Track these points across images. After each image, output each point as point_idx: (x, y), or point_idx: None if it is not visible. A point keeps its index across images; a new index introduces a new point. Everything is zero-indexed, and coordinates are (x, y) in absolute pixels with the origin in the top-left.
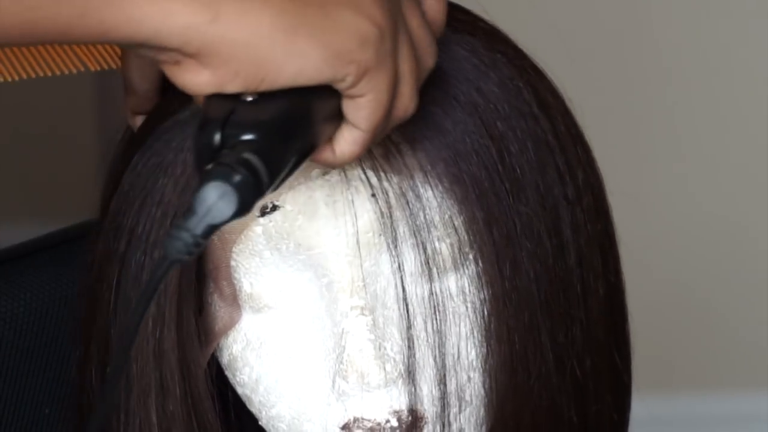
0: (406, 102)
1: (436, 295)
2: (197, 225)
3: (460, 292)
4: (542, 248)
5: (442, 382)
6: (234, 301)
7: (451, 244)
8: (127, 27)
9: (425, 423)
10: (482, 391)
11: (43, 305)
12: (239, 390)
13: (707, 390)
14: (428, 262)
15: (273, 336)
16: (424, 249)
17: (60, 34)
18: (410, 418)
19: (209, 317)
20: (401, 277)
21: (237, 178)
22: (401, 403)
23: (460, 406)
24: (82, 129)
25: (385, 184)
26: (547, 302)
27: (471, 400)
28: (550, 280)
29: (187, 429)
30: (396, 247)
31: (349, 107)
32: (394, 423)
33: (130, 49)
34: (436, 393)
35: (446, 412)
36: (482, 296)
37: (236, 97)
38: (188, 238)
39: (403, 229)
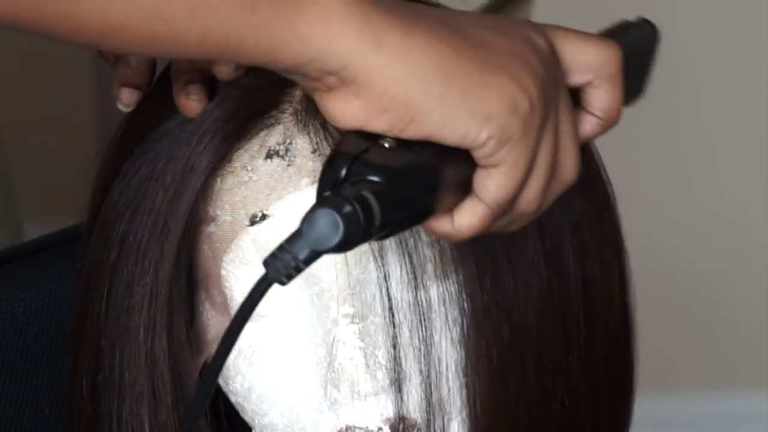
0: (533, 196)
1: (422, 303)
2: (302, 249)
3: (446, 300)
4: (535, 268)
5: (429, 390)
6: (225, 309)
7: (436, 254)
8: (298, 45)
9: (417, 431)
10: (466, 401)
11: (44, 305)
12: (232, 398)
13: (707, 390)
14: (414, 271)
15: (265, 344)
16: (410, 258)
17: (233, 50)
18: (402, 426)
19: (201, 326)
20: (387, 286)
21: (347, 209)
22: (392, 410)
23: (450, 415)
24: (82, 129)
25: None
26: (537, 324)
27: (459, 409)
28: (542, 303)
29: None
30: (382, 256)
31: (480, 176)
32: (386, 431)
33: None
34: (425, 401)
35: (436, 420)
36: (463, 307)
37: (375, 140)
38: (290, 261)
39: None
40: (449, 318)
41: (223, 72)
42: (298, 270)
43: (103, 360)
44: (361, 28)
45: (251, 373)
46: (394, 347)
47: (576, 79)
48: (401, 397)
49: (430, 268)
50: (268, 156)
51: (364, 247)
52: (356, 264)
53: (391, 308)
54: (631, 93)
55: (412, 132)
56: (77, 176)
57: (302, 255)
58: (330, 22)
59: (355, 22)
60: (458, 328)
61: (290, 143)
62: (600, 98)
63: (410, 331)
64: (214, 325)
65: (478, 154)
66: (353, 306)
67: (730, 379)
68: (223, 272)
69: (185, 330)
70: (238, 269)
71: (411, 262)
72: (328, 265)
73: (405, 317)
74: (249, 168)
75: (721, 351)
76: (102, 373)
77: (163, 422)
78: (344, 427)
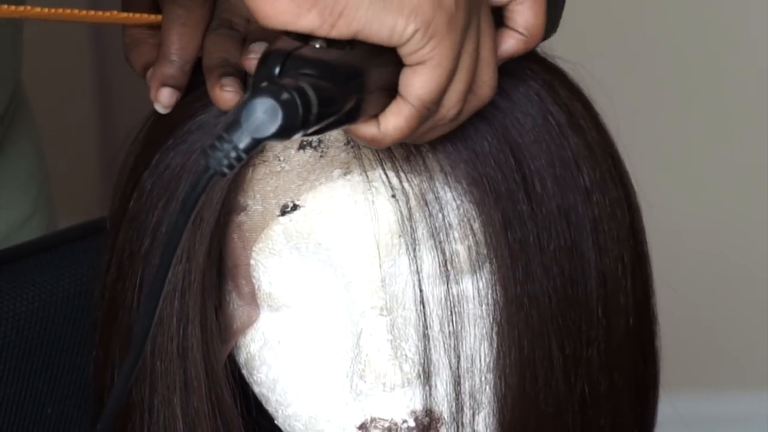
0: (454, 100)
1: (453, 297)
2: (241, 137)
3: (476, 294)
4: (558, 261)
5: (457, 383)
6: (252, 299)
7: (469, 246)
8: None
9: (442, 424)
10: (494, 394)
11: (45, 305)
12: (256, 389)
13: (707, 390)
14: (446, 264)
15: (291, 335)
16: (443, 251)
17: None
18: (427, 418)
19: (227, 316)
20: (419, 279)
21: (285, 96)
22: (418, 403)
23: (476, 408)
24: (83, 129)
25: (406, 185)
26: (561, 315)
27: (486, 402)
28: (565, 294)
29: (211, 425)
30: (415, 248)
31: (406, 75)
32: (411, 423)
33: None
34: (452, 394)
35: (462, 414)
36: (495, 299)
37: (306, 42)
38: (230, 151)
39: (422, 231)
40: (482, 311)
41: (226, 98)
42: (239, 159)
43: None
44: None
45: (276, 364)
46: (423, 340)
47: None
48: (429, 390)
49: (462, 261)
50: (301, 147)
51: (395, 240)
52: (386, 257)
53: (422, 301)
54: (550, 24)
55: (341, 27)
56: (78, 177)
57: (242, 144)
58: None
59: None
60: (489, 321)
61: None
62: (523, 14)
63: (440, 325)
64: (241, 315)
65: (404, 51)
66: (382, 298)
67: (730, 379)
68: (252, 262)
69: (215, 319)
70: (267, 259)
71: (443, 256)
72: (357, 257)
73: (435, 311)
74: (281, 158)
75: (721, 351)
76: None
77: (195, 410)
78: (369, 419)
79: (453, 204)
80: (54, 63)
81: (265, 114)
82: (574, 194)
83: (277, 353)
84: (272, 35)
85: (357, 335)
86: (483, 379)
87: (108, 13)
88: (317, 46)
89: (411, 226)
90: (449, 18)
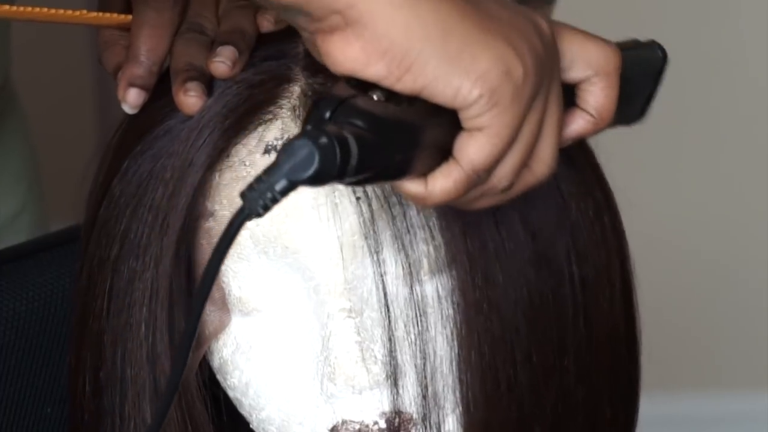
0: (507, 171)
1: (417, 298)
2: (278, 179)
3: (438, 296)
4: (523, 270)
5: (425, 384)
6: (223, 304)
7: (432, 249)
8: None
9: (413, 425)
10: (460, 396)
11: (45, 305)
12: (230, 393)
13: (707, 390)
14: (410, 266)
15: (262, 339)
16: (406, 253)
17: None
18: (398, 419)
19: (200, 321)
20: (383, 281)
21: (324, 141)
22: (388, 404)
23: (446, 409)
24: (83, 129)
25: (369, 188)
26: (528, 322)
27: (455, 403)
28: (532, 302)
29: (182, 431)
30: (378, 251)
31: (462, 139)
32: (382, 425)
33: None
34: (421, 396)
35: (432, 414)
36: (457, 302)
37: (366, 91)
38: (266, 191)
39: (386, 233)
40: (443, 313)
41: (189, 102)
42: (274, 201)
43: (105, 356)
44: None
45: (249, 368)
46: (390, 341)
47: (575, 74)
48: (397, 391)
49: (425, 263)
50: (266, 151)
51: (360, 243)
52: (352, 259)
53: (386, 303)
54: (632, 112)
55: (407, 82)
56: (79, 176)
57: (278, 185)
58: None
59: None
60: (451, 323)
61: (288, 139)
62: (595, 95)
63: (406, 326)
64: (213, 320)
65: (465, 115)
66: (349, 300)
67: (730, 379)
68: (221, 267)
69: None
70: (236, 264)
71: (407, 258)
72: (324, 259)
73: (401, 312)
74: (247, 163)
75: (721, 351)
76: (104, 370)
77: (166, 417)
78: (340, 422)
79: (415, 206)
80: (53, 63)
81: (302, 157)
82: (546, 203)
83: (249, 357)
84: (239, 38)
85: (326, 338)
86: (448, 380)
87: (77, 13)
88: (375, 97)
89: (374, 229)
90: (515, 88)
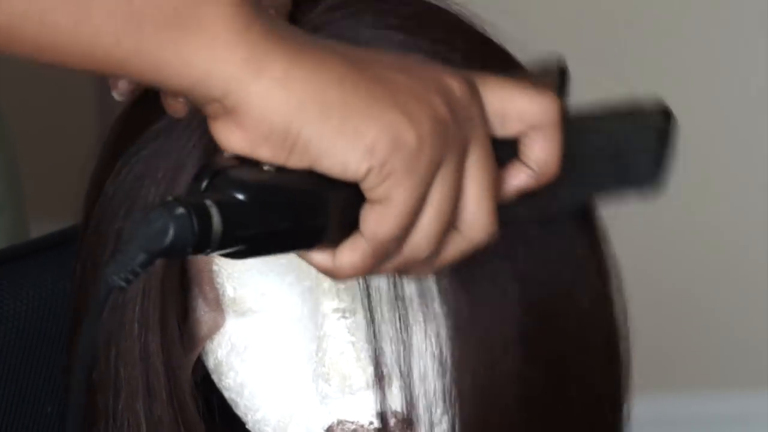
0: (421, 241)
1: (412, 297)
2: (135, 251)
3: (425, 295)
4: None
5: (420, 384)
6: (218, 305)
7: None
8: (181, 67)
9: (408, 425)
10: (455, 397)
11: (46, 305)
12: (225, 394)
13: (707, 390)
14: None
15: (257, 340)
16: None
17: (117, 66)
18: (393, 419)
19: (194, 322)
20: (367, 282)
21: (179, 212)
22: (385, 405)
23: (441, 408)
24: (83, 129)
25: None
26: (521, 342)
27: (449, 404)
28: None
29: (173, 431)
30: None
31: (364, 210)
32: (378, 425)
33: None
34: (415, 395)
35: (428, 414)
36: (445, 309)
37: (257, 163)
38: (126, 264)
39: None
40: (434, 312)
41: (176, 108)
42: (135, 274)
43: (98, 356)
44: (246, 56)
45: (243, 369)
46: (375, 341)
47: (509, 129)
48: (392, 391)
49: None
50: None
51: None
52: None
53: (370, 304)
54: (641, 180)
55: (294, 161)
56: (79, 176)
57: (138, 259)
58: (215, 47)
59: (240, 50)
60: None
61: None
62: (533, 150)
63: (396, 326)
64: (207, 321)
65: (362, 186)
66: (343, 301)
67: (730, 379)
68: (215, 268)
69: (177, 326)
70: (230, 265)
71: None
72: None
73: (390, 312)
74: None
75: (721, 351)
76: (98, 369)
77: (158, 417)
78: (336, 422)
79: None
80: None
81: (156, 229)
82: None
83: (243, 358)
84: None
85: (320, 338)
86: (447, 380)
87: None
88: (265, 168)
89: None
90: (409, 156)
